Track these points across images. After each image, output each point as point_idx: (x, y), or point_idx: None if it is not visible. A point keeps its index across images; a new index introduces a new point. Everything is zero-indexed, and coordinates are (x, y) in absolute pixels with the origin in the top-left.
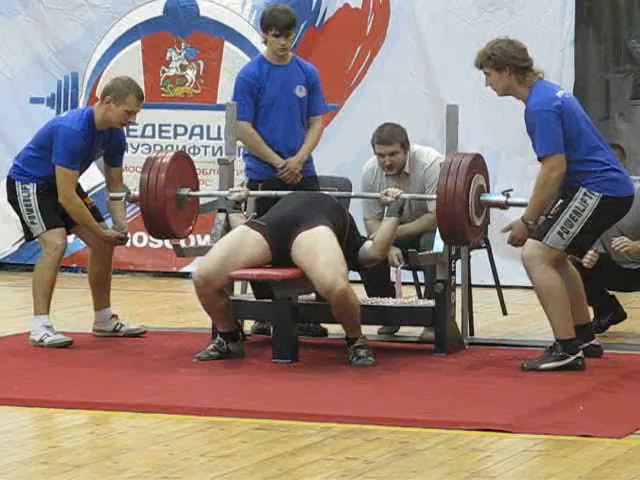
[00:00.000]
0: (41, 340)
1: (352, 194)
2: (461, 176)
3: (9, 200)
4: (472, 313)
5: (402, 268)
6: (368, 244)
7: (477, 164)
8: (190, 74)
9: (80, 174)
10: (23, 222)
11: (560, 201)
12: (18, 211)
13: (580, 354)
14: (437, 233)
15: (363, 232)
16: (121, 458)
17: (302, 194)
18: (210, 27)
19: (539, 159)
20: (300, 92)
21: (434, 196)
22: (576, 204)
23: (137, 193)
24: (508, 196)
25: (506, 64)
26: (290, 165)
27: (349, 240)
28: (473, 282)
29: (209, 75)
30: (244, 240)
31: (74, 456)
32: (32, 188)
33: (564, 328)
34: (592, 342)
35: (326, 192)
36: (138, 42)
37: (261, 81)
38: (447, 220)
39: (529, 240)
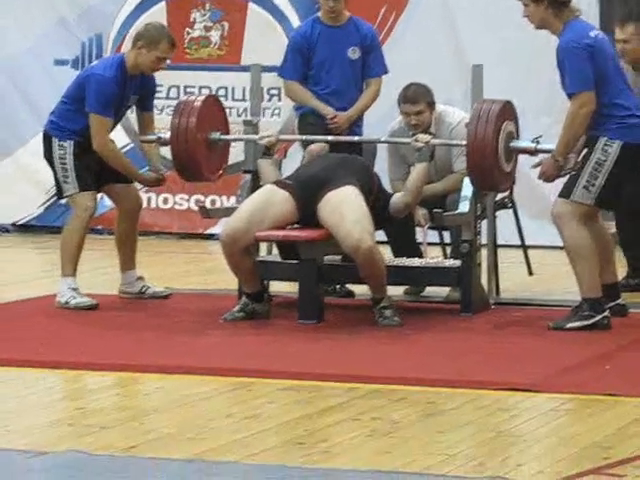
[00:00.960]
0: (67, 302)
1: (381, 139)
2: (491, 122)
3: (45, 156)
4: (498, 273)
5: (428, 228)
6: (397, 195)
7: (507, 110)
8: (214, 35)
9: (115, 124)
10: (57, 179)
11: (583, 153)
12: (53, 168)
13: (606, 313)
14: (462, 192)
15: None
16: (147, 419)
17: (330, 155)
18: None
19: (568, 96)
20: (353, 54)
21: (464, 142)
22: (598, 155)
23: (168, 136)
24: (538, 142)
25: None
26: (338, 119)
27: (377, 199)
28: (498, 242)
29: (233, 36)
30: (271, 199)
31: (100, 417)
32: (69, 147)
33: (591, 287)
34: (618, 301)
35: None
36: (162, 3)
37: (312, 42)
38: (477, 166)
39: (557, 198)
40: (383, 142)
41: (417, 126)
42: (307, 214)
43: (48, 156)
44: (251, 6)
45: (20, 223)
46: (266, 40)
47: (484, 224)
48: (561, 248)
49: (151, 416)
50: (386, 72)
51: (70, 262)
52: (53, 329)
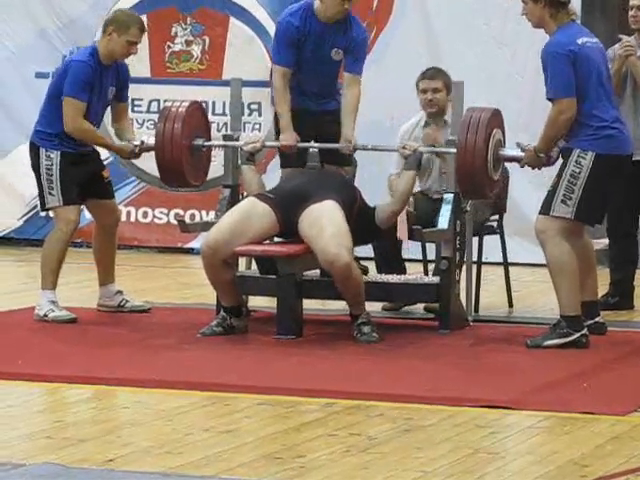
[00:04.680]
0: (45, 315)
1: (369, 146)
2: (481, 131)
3: (32, 167)
4: (479, 290)
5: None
6: (383, 205)
7: (496, 119)
8: (195, 50)
9: (99, 120)
10: (41, 190)
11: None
12: (38, 178)
13: (584, 331)
14: (442, 209)
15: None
16: (124, 433)
17: (312, 170)
18: (215, 3)
19: (549, 100)
20: (337, 55)
21: (453, 150)
22: (572, 168)
23: (151, 142)
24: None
25: None
26: (351, 144)
27: (360, 214)
28: (476, 259)
29: (214, 51)
30: (252, 212)
31: (78, 430)
32: (56, 157)
33: (570, 304)
34: (597, 319)
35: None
36: (143, 17)
37: (303, 36)
38: (466, 174)
39: (538, 215)
40: (370, 150)
41: (432, 103)
42: (288, 227)
43: (35, 166)
44: (232, 20)
45: (0, 236)
46: (247, 55)
47: (475, 241)
48: (540, 266)
49: (128, 430)
50: (361, 73)
51: (50, 275)
52: (32, 342)
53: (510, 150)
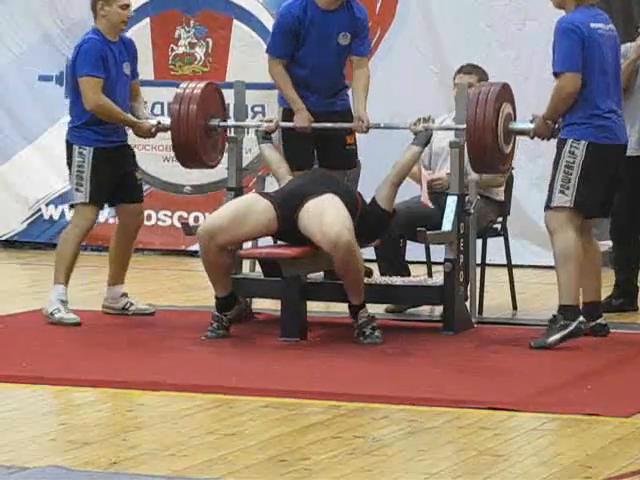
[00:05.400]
0: (51, 314)
1: (382, 124)
2: (490, 105)
3: (67, 164)
4: (483, 292)
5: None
6: (380, 185)
7: (505, 93)
8: (199, 52)
9: (125, 100)
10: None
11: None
12: (70, 174)
13: (581, 319)
14: (446, 211)
15: None
16: (129, 435)
17: (315, 173)
18: (219, 5)
19: (554, 74)
20: (344, 39)
21: (463, 126)
22: (566, 159)
23: (167, 122)
24: None
25: None
26: (363, 124)
27: (364, 215)
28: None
29: (218, 53)
30: (254, 206)
31: (83, 433)
32: (88, 154)
33: (568, 293)
34: (599, 321)
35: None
36: (147, 20)
37: (304, 25)
38: (476, 148)
39: (544, 212)
40: (382, 127)
41: None
42: (287, 226)
43: (68, 163)
44: (236, 23)
45: (4, 239)
46: (250, 57)
47: (478, 243)
48: (545, 267)
49: (133, 432)
50: (369, 53)
51: (63, 270)
52: (36, 344)
53: (520, 123)
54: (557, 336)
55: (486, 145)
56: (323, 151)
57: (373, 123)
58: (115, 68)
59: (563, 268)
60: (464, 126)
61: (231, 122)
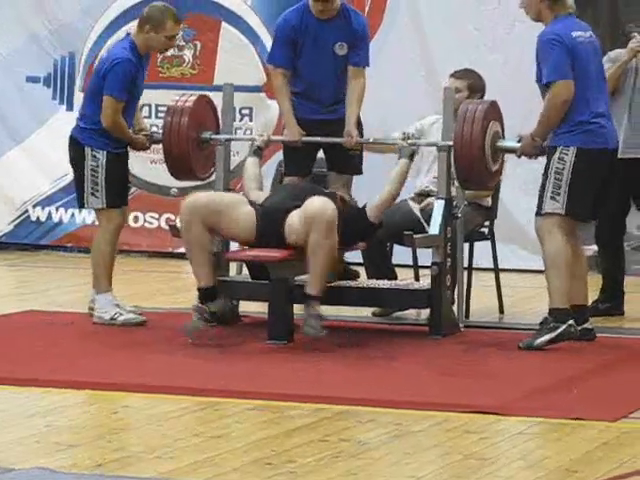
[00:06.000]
0: (113, 319)
1: (371, 139)
2: (477, 123)
3: (71, 162)
4: (469, 296)
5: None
6: (373, 199)
7: (493, 111)
8: (187, 54)
9: (131, 107)
10: (82, 188)
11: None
12: (80, 177)
13: (571, 322)
14: (433, 215)
15: None
16: (115, 438)
17: (296, 187)
18: (207, 8)
19: (546, 86)
20: (341, 49)
21: (450, 143)
22: (556, 165)
23: (160, 135)
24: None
25: None
26: (352, 138)
27: (345, 221)
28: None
29: (206, 56)
30: (240, 207)
31: (68, 435)
32: (102, 158)
33: (558, 296)
34: (585, 325)
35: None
36: (135, 22)
37: (300, 34)
38: (464, 166)
39: (535, 217)
40: (371, 143)
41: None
42: (264, 239)
43: (76, 163)
44: (224, 26)
45: None
46: (239, 60)
47: (465, 247)
48: (531, 271)
49: (119, 434)
50: (368, 64)
51: (105, 278)
52: (22, 346)
53: (508, 141)
54: (545, 337)
55: (473, 163)
56: (329, 156)
57: (364, 139)
58: (143, 80)
59: (553, 273)
60: (451, 142)
61: (223, 135)
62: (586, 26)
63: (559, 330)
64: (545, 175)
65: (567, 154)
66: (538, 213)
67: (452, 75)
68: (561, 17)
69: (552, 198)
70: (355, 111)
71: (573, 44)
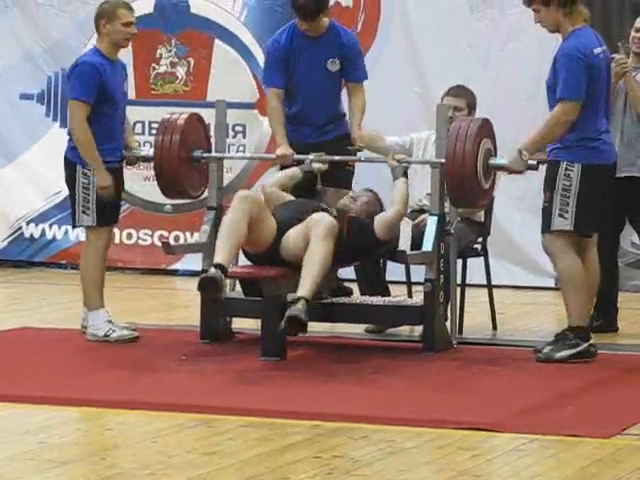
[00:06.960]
0: (106, 335)
1: (362, 158)
2: (469, 140)
3: (66, 182)
4: (463, 312)
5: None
6: (381, 214)
7: (485, 129)
8: (180, 71)
9: (113, 119)
10: (74, 206)
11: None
12: (73, 195)
13: (592, 341)
14: (426, 231)
15: None
16: (108, 455)
17: (297, 204)
18: (200, 24)
19: (557, 99)
20: (333, 65)
21: (442, 160)
22: (562, 182)
23: (151, 153)
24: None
25: None
26: (359, 140)
27: (351, 232)
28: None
29: (199, 72)
30: (268, 214)
31: (61, 452)
32: (92, 176)
33: (578, 315)
34: (589, 342)
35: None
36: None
37: (291, 53)
38: (456, 183)
39: (542, 235)
40: (363, 161)
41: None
42: (269, 255)
43: (70, 182)
44: (217, 43)
45: None
46: (232, 77)
47: (459, 263)
48: (524, 288)
49: (112, 451)
50: (366, 78)
51: (96, 294)
52: (16, 363)
53: (500, 159)
54: (567, 352)
55: (465, 181)
56: (323, 174)
57: (357, 157)
58: (119, 87)
59: (570, 291)
60: (443, 160)
61: (215, 154)
62: (602, 40)
63: (580, 348)
64: (549, 190)
65: (572, 170)
66: (546, 230)
67: (448, 93)
68: (580, 29)
69: (560, 215)
70: (359, 119)
71: (594, 62)
